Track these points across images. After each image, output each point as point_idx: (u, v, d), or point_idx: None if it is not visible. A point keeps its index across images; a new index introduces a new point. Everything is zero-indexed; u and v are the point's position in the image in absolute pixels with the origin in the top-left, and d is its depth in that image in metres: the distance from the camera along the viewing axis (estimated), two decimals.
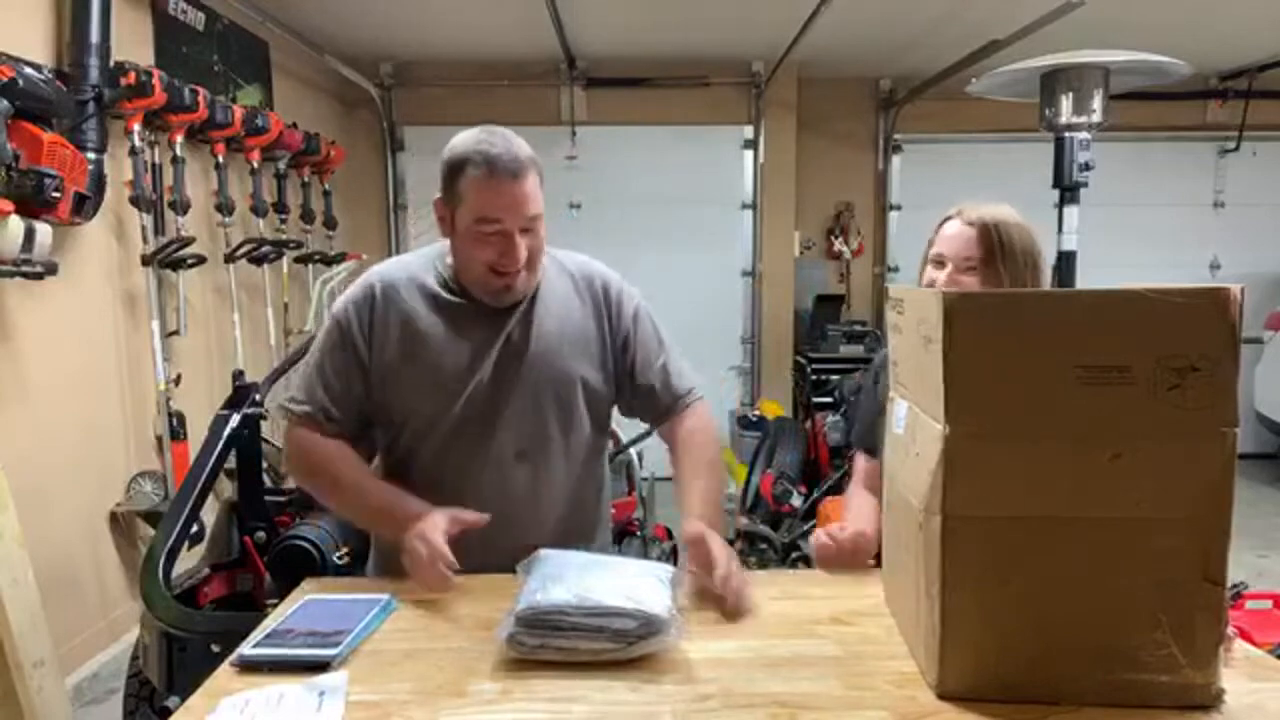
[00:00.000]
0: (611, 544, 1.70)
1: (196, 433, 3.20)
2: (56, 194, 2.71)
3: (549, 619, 1.13)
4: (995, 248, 1.51)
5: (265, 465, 2.77)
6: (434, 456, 1.51)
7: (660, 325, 1.64)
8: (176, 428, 3.53)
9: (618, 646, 1.13)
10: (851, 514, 1.65)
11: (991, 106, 4.01)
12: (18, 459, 2.65)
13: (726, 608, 1.29)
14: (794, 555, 3.71)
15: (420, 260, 1.58)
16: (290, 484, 3.01)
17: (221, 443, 2.35)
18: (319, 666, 1.12)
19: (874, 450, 1.73)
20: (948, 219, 1.60)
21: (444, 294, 1.52)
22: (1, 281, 2.73)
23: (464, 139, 1.45)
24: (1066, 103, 3.20)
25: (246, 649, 1.16)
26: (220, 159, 3.95)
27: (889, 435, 1.28)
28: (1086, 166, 3.24)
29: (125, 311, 3.45)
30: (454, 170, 1.43)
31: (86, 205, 2.94)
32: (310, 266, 5.03)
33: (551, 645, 1.13)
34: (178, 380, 3.59)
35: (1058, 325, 0.99)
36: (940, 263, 1.58)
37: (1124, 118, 3.77)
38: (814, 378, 5.28)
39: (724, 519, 1.56)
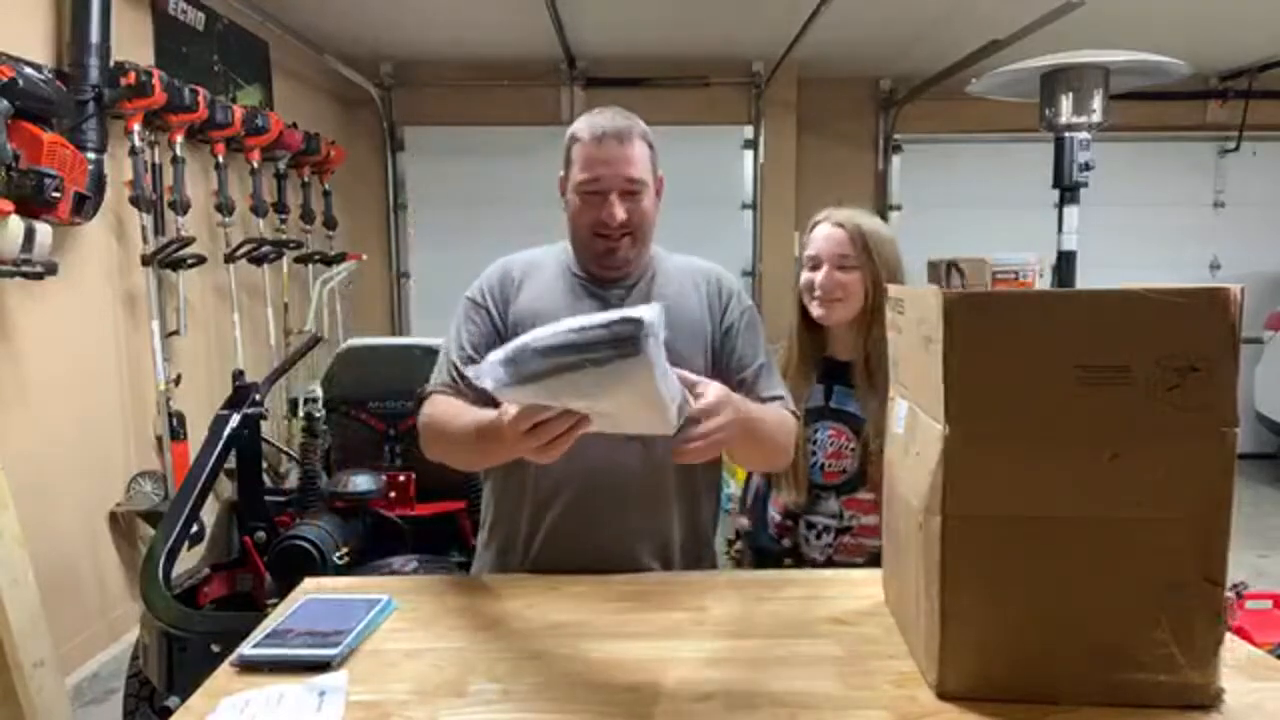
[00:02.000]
0: (714, 532, 1.70)
1: (196, 433, 3.20)
2: (56, 194, 2.71)
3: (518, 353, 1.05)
4: (866, 244, 1.65)
5: (265, 465, 2.78)
6: None
7: (765, 338, 1.66)
8: (176, 428, 3.53)
9: (592, 356, 1.02)
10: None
11: (991, 106, 4.01)
12: (18, 458, 2.65)
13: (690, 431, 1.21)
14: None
15: (545, 249, 1.66)
16: (291, 483, 3.02)
17: (221, 443, 2.35)
18: (319, 666, 1.12)
19: None
20: (817, 223, 1.72)
21: (566, 273, 1.59)
22: (1, 281, 2.73)
23: (583, 116, 1.56)
24: (1066, 103, 3.20)
25: (246, 649, 1.16)
26: (220, 159, 3.95)
27: (889, 435, 1.28)
28: (1086, 166, 3.24)
29: (125, 311, 3.46)
30: (568, 143, 1.54)
31: (86, 205, 2.94)
32: (310, 266, 5.03)
33: (526, 371, 1.04)
34: (178, 380, 3.59)
35: (1057, 325, 0.99)
36: (816, 264, 1.67)
37: (1124, 118, 3.77)
38: None
39: (750, 427, 1.40)
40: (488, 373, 1.08)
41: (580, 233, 1.54)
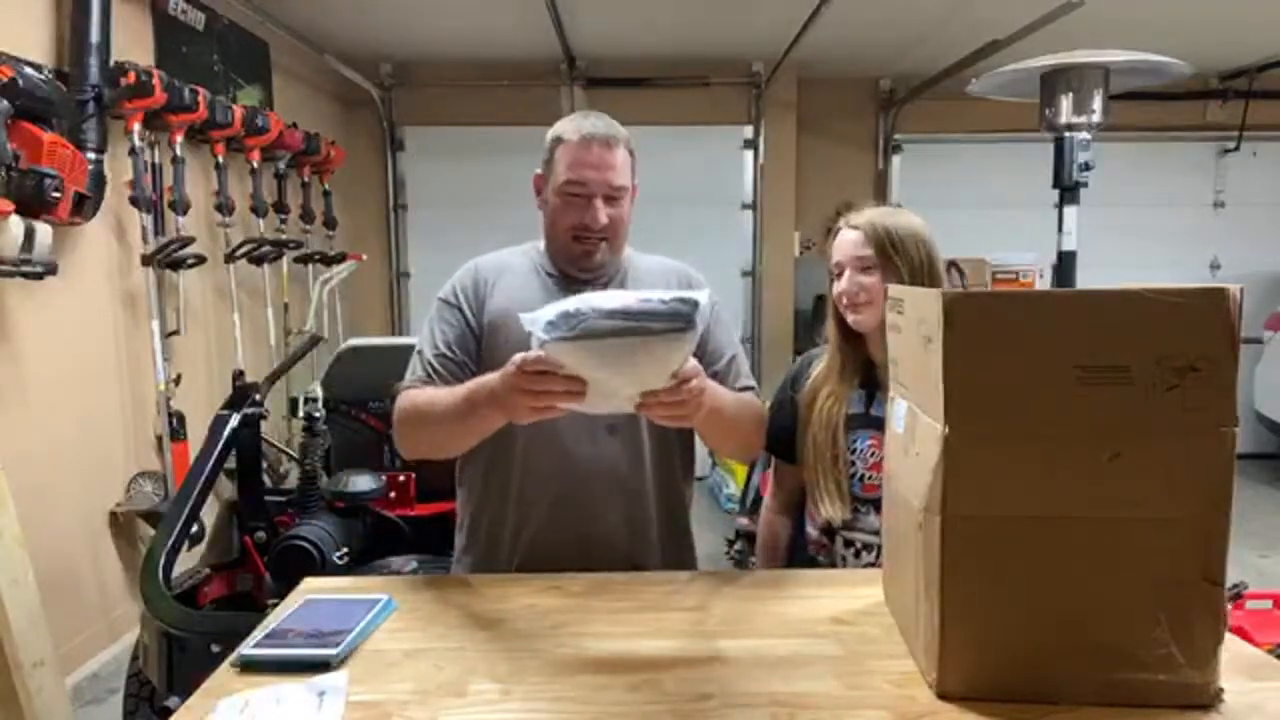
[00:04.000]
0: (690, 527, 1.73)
1: (196, 433, 3.20)
2: (56, 194, 2.71)
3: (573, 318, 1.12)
4: (884, 244, 1.58)
5: (265, 465, 2.78)
6: (529, 428, 1.46)
7: (732, 331, 1.69)
8: (176, 428, 3.53)
9: (648, 325, 1.12)
10: None
11: (991, 106, 4.01)
12: (18, 459, 2.65)
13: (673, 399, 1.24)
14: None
15: (516, 249, 1.67)
16: (291, 483, 3.02)
17: (221, 443, 2.35)
18: (319, 666, 1.12)
19: (785, 455, 1.71)
20: (838, 230, 1.66)
21: (538, 273, 1.60)
22: (1, 281, 2.73)
23: (566, 118, 1.56)
24: (1066, 103, 3.21)
25: (246, 649, 1.16)
26: (220, 159, 3.95)
27: (889, 435, 1.28)
28: (1086, 166, 3.24)
29: (125, 311, 3.46)
30: (552, 143, 1.54)
31: (86, 205, 2.94)
32: (310, 266, 5.04)
33: (585, 328, 1.11)
34: (178, 380, 3.59)
35: (1057, 325, 0.99)
36: (840, 271, 1.63)
37: (1124, 118, 3.77)
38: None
39: (735, 418, 1.52)
40: (543, 322, 1.13)
41: (559, 234, 1.55)
